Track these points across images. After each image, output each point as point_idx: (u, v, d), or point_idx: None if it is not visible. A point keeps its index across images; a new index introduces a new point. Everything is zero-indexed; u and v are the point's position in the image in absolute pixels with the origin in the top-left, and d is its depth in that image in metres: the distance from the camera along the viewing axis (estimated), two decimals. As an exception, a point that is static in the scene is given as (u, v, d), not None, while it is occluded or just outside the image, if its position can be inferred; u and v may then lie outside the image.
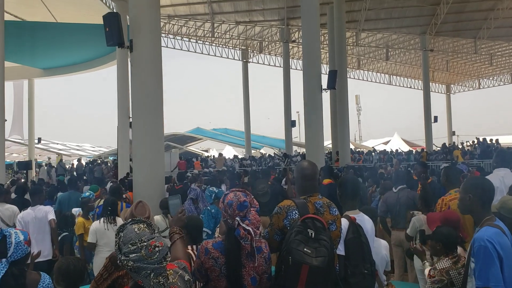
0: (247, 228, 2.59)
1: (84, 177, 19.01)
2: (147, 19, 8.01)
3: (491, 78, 44.30)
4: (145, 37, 7.95)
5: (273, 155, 33.45)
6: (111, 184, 9.56)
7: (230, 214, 2.66)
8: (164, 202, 5.87)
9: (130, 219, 2.16)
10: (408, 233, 5.30)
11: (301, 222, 2.77)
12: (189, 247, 3.21)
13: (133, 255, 1.98)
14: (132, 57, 8.10)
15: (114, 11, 17.98)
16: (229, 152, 42.09)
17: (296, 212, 2.88)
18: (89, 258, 5.94)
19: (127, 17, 13.28)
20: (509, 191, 3.60)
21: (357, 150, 34.84)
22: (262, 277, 2.70)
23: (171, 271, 2.16)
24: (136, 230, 2.05)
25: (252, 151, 36.55)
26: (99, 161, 30.08)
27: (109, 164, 26.55)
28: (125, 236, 2.03)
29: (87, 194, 6.62)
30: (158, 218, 5.63)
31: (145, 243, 2.00)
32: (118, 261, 2.04)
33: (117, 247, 2.05)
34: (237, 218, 2.62)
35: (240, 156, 35.02)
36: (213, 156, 34.08)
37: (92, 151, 45.35)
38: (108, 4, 22.88)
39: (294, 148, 34.24)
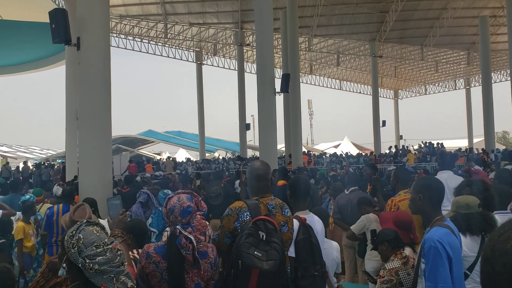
0: (189, 236, 2.45)
1: (30, 180, 18.19)
2: (95, 16, 7.75)
3: (436, 84, 46.16)
4: (93, 35, 7.68)
5: (227, 158, 33.34)
6: (58, 186, 9.14)
7: (172, 220, 2.52)
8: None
9: (85, 221, 2.05)
10: (353, 229, 5.30)
11: (252, 224, 2.69)
12: (135, 251, 3.06)
13: (100, 257, 1.90)
14: (79, 55, 7.80)
15: (63, 7, 17.33)
16: (183, 155, 41.59)
17: (248, 213, 2.79)
18: (29, 265, 5.62)
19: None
20: (454, 191, 3.69)
21: (309, 152, 35.30)
22: (208, 284, 2.59)
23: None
24: (95, 232, 1.97)
25: (207, 154, 36.27)
26: (46, 164, 28.91)
27: (56, 167, 25.55)
28: (87, 238, 1.93)
29: (28, 197, 6.27)
30: (104, 223, 5.38)
31: (110, 246, 1.95)
32: (79, 264, 1.91)
33: (76, 249, 1.91)
34: (178, 227, 2.48)
35: (193, 159, 34.68)
36: (164, 159, 33.51)
37: (40, 153, 43.64)
38: (57, 2, 22.05)
39: (249, 151, 34.28)
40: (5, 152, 38.24)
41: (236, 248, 2.61)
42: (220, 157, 36.46)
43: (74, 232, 1.98)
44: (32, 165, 27.69)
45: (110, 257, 1.92)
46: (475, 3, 26.59)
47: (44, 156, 40.79)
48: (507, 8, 23.37)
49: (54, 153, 40.82)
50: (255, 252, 2.54)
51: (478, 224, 2.98)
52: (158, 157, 39.02)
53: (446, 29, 28.42)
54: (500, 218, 3.96)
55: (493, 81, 28.87)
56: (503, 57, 32.98)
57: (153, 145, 48.65)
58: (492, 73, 31.28)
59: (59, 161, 31.91)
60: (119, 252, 1.97)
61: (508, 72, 27.22)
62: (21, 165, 27.95)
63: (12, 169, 25.66)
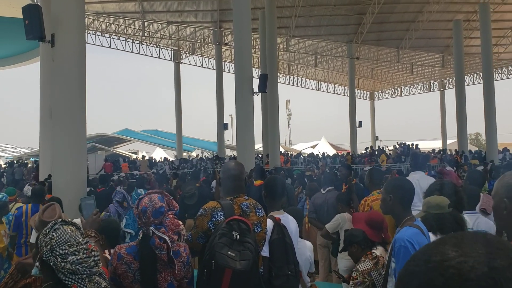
0: (163, 236, 2.45)
1: (2, 179, 17.77)
2: (70, 12, 7.62)
3: (411, 86, 46.93)
4: (67, 32, 7.56)
5: (204, 157, 33.21)
6: (29, 186, 8.96)
7: (145, 221, 2.50)
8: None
9: (60, 220, 2.03)
10: (328, 227, 5.35)
11: (226, 224, 2.69)
12: (107, 251, 3.04)
13: (72, 257, 1.87)
14: (54, 52, 7.66)
15: (38, 3, 17.01)
16: (160, 154, 41.23)
17: (222, 213, 2.80)
18: (0, 265, 5.50)
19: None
20: (424, 195, 3.76)
21: (286, 153, 35.47)
22: (182, 283, 2.59)
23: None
24: (69, 231, 1.94)
25: (184, 154, 36.04)
26: (19, 163, 28.29)
27: (30, 166, 25.03)
28: (60, 237, 1.91)
29: (0, 196, 6.13)
30: (77, 222, 5.31)
31: (83, 246, 1.92)
32: (50, 263, 1.89)
33: (48, 248, 1.89)
34: (151, 228, 2.47)
35: (170, 159, 34.41)
36: (139, 158, 33.18)
37: (13, 152, 42.67)
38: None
39: (227, 151, 34.22)
40: (-24, 150, 37.29)
41: (210, 248, 2.61)
42: (198, 156, 36.26)
43: (48, 230, 1.96)
44: (4, 164, 27.04)
45: (83, 257, 1.90)
46: (450, 7, 27.15)
47: (17, 154, 39.89)
48: (480, 12, 23.98)
49: (28, 151, 39.98)
50: (229, 252, 2.55)
51: (449, 224, 3.05)
52: (135, 156, 38.61)
53: (421, 32, 28.93)
54: (468, 218, 4.06)
55: (466, 84, 29.51)
56: (476, 60, 33.75)
57: (130, 144, 48.09)
58: (466, 76, 31.99)
59: (33, 159, 31.28)
60: (93, 253, 1.94)
61: (481, 75, 27.86)
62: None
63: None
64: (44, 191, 6.37)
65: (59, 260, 1.88)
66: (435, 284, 0.66)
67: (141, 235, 2.58)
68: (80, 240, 1.94)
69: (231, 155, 29.25)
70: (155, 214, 2.49)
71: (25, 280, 2.71)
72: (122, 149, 46.02)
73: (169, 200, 2.61)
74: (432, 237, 2.86)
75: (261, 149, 26.17)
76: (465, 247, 0.68)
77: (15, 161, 29.05)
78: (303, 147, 48.35)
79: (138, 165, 25.64)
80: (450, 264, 0.66)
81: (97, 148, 37.03)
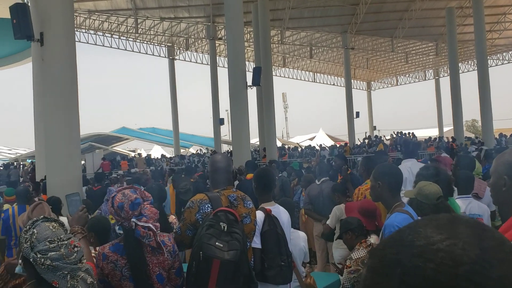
0: (146, 225, 2.45)
1: (-1, 182, 17.72)
2: (58, 10, 7.58)
3: (407, 75, 46.93)
4: (56, 30, 7.52)
5: (201, 153, 33.20)
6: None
7: (124, 216, 2.50)
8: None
9: (41, 217, 2.01)
10: (329, 223, 5.35)
11: (213, 215, 2.69)
12: (98, 249, 3.02)
13: (52, 253, 1.85)
14: (43, 51, 7.62)
15: (26, 2, 16.91)
16: (157, 151, 41.20)
17: (209, 205, 2.80)
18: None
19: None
20: (416, 178, 3.76)
21: (284, 146, 35.47)
22: (170, 273, 2.60)
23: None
24: (51, 227, 1.92)
25: (181, 150, 36.02)
26: (15, 164, 28.23)
27: (26, 167, 24.98)
28: (40, 233, 1.89)
29: (-8, 198, 6.11)
30: (64, 220, 5.27)
31: (65, 242, 1.90)
32: (30, 259, 1.87)
33: (28, 244, 1.87)
34: (133, 219, 2.47)
35: (168, 156, 34.39)
36: (136, 155, 33.17)
37: (9, 153, 42.53)
38: (21, -3, 21.46)
39: (224, 146, 34.19)
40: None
41: (197, 240, 2.62)
42: (194, 152, 36.24)
43: (29, 227, 1.94)
44: (0, 166, 26.99)
45: (64, 253, 1.87)
46: (442, -5, 27.10)
47: (13, 156, 39.78)
48: (473, -1, 23.91)
49: (24, 152, 39.87)
50: (216, 243, 2.55)
51: (428, 214, 3.05)
52: (133, 154, 38.58)
53: (414, 21, 28.85)
54: (462, 202, 4.07)
55: (460, 71, 29.49)
56: (470, 47, 33.71)
57: (128, 142, 48.04)
58: (460, 64, 31.95)
59: (29, 161, 31.22)
60: (76, 249, 1.92)
61: (475, 62, 27.83)
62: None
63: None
64: (28, 191, 6.32)
65: (38, 256, 1.85)
66: (423, 271, 0.58)
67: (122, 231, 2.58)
68: (62, 236, 1.92)
69: (228, 150, 29.23)
70: (132, 206, 2.49)
71: (14, 281, 2.70)
72: (120, 148, 46.00)
73: (141, 192, 2.62)
74: None
75: (258, 143, 26.18)
76: (449, 229, 0.62)
77: (11, 163, 28.99)
78: (301, 139, 48.34)
79: (135, 163, 25.62)
80: (439, 247, 0.59)
81: (94, 147, 36.98)
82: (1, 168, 25.39)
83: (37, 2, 16.64)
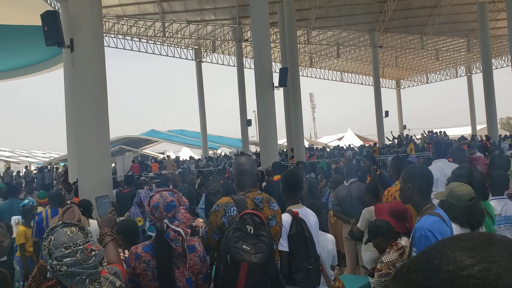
0: (177, 229, 2.47)
1: (34, 184, 18.22)
2: (87, 16, 7.73)
3: (437, 73, 45.95)
4: (85, 36, 7.67)
5: (229, 154, 33.33)
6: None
7: (158, 216, 2.53)
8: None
9: (60, 222, 2.01)
10: (359, 226, 5.24)
11: (239, 218, 2.68)
12: (126, 251, 3.05)
13: (68, 259, 1.84)
14: (73, 56, 7.78)
15: (59, 10, 17.35)
16: (186, 153, 41.63)
17: (235, 208, 2.78)
18: (32, 268, 5.61)
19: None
20: (451, 177, 3.64)
21: (312, 146, 35.27)
22: (197, 278, 2.60)
23: (101, 278, 2.02)
24: (69, 233, 1.91)
25: (210, 152, 36.28)
26: (49, 168, 29.01)
27: (59, 170, 25.64)
28: (57, 240, 1.88)
29: (26, 201, 6.27)
30: (93, 223, 5.36)
31: (81, 247, 1.88)
32: (48, 267, 1.88)
33: (46, 251, 1.89)
34: (165, 221, 2.49)
35: (196, 157, 34.67)
36: (166, 158, 33.58)
37: (43, 157, 43.78)
38: (53, 5, 22.04)
39: (252, 147, 34.26)
40: (8, 157, 38.40)
41: (224, 243, 2.61)
42: (222, 154, 36.44)
43: (47, 234, 1.95)
44: (34, 169, 27.77)
45: (80, 258, 1.86)
46: (473, -11, 26.42)
47: (46, 159, 40.90)
48: (505, -8, 23.20)
49: (57, 156, 40.94)
50: (243, 246, 2.54)
51: (461, 217, 2.95)
52: (162, 156, 39.09)
53: (445, 17, 28.21)
54: (497, 203, 3.92)
55: (494, 67, 28.67)
56: (503, 42, 32.74)
57: (157, 144, 48.73)
58: (493, 59, 31.07)
59: (62, 164, 32.03)
60: (93, 253, 1.90)
61: (509, 58, 27.00)
62: (23, 170, 28.04)
63: (13, 174, 25.79)
64: (61, 194, 6.45)
65: (55, 263, 1.85)
66: None
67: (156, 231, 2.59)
68: (78, 241, 1.90)
69: (255, 151, 29.26)
70: (167, 208, 2.53)
71: (47, 282, 2.74)
72: (149, 150, 46.70)
73: (179, 196, 2.65)
74: (453, 226, 2.76)
75: (286, 143, 26.09)
76: (480, 251, 0.56)
77: (45, 167, 29.81)
78: (329, 139, 47.99)
79: (165, 165, 25.94)
80: (470, 273, 0.53)
81: (124, 150, 37.62)
82: (36, 171, 26.10)
83: (67, 9, 17.10)
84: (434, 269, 0.57)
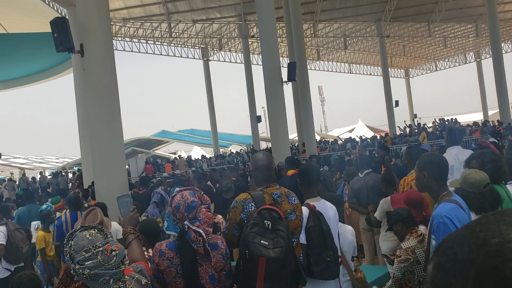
0: (198, 230, 2.50)
1: (48, 190, 18.47)
2: (95, 21, 7.81)
3: (446, 60, 45.51)
4: (95, 40, 7.75)
5: (240, 151, 33.39)
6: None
7: (179, 217, 2.57)
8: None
9: (78, 226, 2.06)
10: (377, 216, 5.25)
11: (257, 214, 2.71)
12: (150, 251, 3.10)
13: (89, 262, 1.88)
14: (84, 61, 7.87)
15: (66, 17, 17.51)
16: (197, 152, 41.77)
17: (253, 204, 2.82)
18: (54, 272, 5.72)
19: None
20: (465, 164, 3.64)
21: (323, 140, 35.20)
22: (220, 275, 2.63)
23: (127, 276, 2.07)
24: (88, 236, 1.95)
25: (221, 150, 36.36)
26: (63, 172, 29.32)
27: (75, 174, 25.91)
28: (77, 244, 1.92)
29: (45, 206, 6.37)
30: (115, 224, 5.44)
31: (101, 248, 1.92)
32: (71, 271, 1.92)
33: (68, 257, 1.93)
34: (186, 222, 2.53)
35: (208, 156, 34.78)
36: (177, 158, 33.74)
37: (56, 162, 44.21)
38: (60, 11, 22.22)
39: (263, 143, 34.28)
40: (22, 164, 38.83)
41: (243, 239, 2.65)
42: (234, 151, 36.50)
43: (67, 239, 1.99)
44: (49, 175, 28.09)
45: (101, 260, 1.89)
46: (480, -27, 26.11)
47: (60, 164, 41.29)
48: (513, -25, 22.90)
49: (70, 160, 41.30)
50: (261, 241, 2.57)
51: (475, 204, 2.94)
52: (173, 157, 39.30)
53: (451, 3, 27.92)
54: (511, 188, 3.91)
55: (503, 52, 28.31)
56: (513, 26, 32.37)
57: (168, 145, 48.94)
58: (503, 44, 30.68)
59: (76, 168, 32.35)
60: (114, 253, 1.93)
61: (519, 41, 26.70)
62: (38, 176, 28.38)
63: (29, 180, 26.13)
64: (78, 197, 6.53)
65: (77, 267, 1.89)
66: (502, 271, 0.53)
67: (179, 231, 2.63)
68: (98, 243, 1.93)
69: (266, 147, 29.27)
70: (188, 209, 2.55)
71: (74, 284, 2.80)
72: (161, 151, 46.91)
73: (201, 195, 2.67)
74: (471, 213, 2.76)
75: (297, 138, 26.06)
76: None
77: (59, 172, 30.12)
78: (340, 132, 47.80)
79: (177, 164, 26.08)
80: None
81: (137, 152, 37.86)
82: (51, 177, 26.39)
83: (74, 14, 17.27)
84: (479, 243, 0.57)
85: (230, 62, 36.51)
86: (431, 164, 2.72)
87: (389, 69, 34.46)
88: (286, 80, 14.53)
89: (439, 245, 0.63)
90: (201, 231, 2.50)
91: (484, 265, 0.55)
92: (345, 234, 3.96)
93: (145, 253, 3.15)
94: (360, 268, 4.27)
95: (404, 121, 28.64)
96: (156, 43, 32.32)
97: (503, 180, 3.56)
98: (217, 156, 30.49)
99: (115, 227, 4.41)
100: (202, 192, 2.69)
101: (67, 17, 17.47)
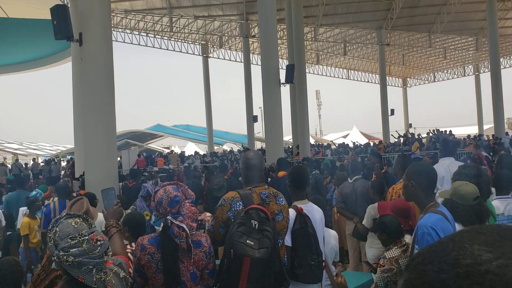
0: (181, 225, 2.48)
1: (40, 176, 18.37)
2: (96, 11, 7.77)
3: (445, 71, 45.68)
4: (94, 30, 7.71)
5: (235, 150, 33.37)
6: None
7: (162, 212, 2.55)
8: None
9: (64, 214, 2.06)
10: (365, 223, 5.24)
11: (244, 213, 2.70)
12: (133, 244, 3.09)
13: (74, 249, 1.87)
14: (82, 51, 7.84)
15: (68, 4, 17.44)
16: (191, 148, 41.69)
17: (241, 203, 2.81)
18: (36, 260, 5.70)
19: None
20: (453, 177, 3.65)
21: (317, 143, 35.25)
22: (203, 273, 2.62)
23: (106, 268, 2.06)
24: (73, 224, 1.95)
25: (215, 147, 36.32)
26: (55, 160, 29.19)
27: (68, 163, 25.82)
28: (62, 231, 1.92)
29: (34, 193, 6.35)
30: (100, 216, 5.41)
31: (86, 237, 1.92)
32: (54, 258, 1.92)
33: (52, 243, 1.92)
34: (169, 217, 2.51)
35: (201, 153, 34.74)
36: (168, 153, 33.68)
37: (50, 150, 44.01)
38: (62, -1, 22.13)
39: (258, 143, 34.27)
40: (16, 149, 38.65)
41: (229, 238, 2.64)
42: (228, 150, 36.49)
43: (52, 225, 1.98)
44: (42, 162, 27.96)
45: (86, 248, 1.89)
46: (483, -12, 26.20)
47: (54, 152, 41.11)
48: (515, -8, 23.02)
49: (64, 149, 41.14)
50: (247, 241, 2.56)
51: (464, 216, 2.95)
52: (167, 151, 39.20)
53: (453, 15, 28.03)
54: (500, 203, 3.94)
55: (502, 67, 28.46)
56: (512, 42, 32.55)
57: (162, 139, 48.79)
58: (501, 59, 30.85)
59: (69, 157, 32.20)
60: (99, 243, 1.93)
61: (518, 57, 26.86)
62: (30, 162, 28.26)
63: (21, 166, 26.00)
64: (68, 186, 6.51)
65: (61, 253, 1.88)
66: None
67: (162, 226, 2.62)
68: (84, 231, 1.93)
69: (261, 147, 29.28)
70: (171, 203, 2.53)
71: (56, 272, 2.79)
72: (155, 145, 46.77)
73: (185, 190, 2.65)
74: (456, 225, 2.77)
75: (291, 140, 26.08)
76: (499, 246, 0.54)
77: (52, 159, 29.97)
78: (334, 137, 47.88)
79: (169, 159, 26.03)
80: (488, 268, 0.52)
81: (130, 144, 37.74)
82: (43, 164, 26.30)
83: (75, 3, 17.19)
84: (450, 262, 0.55)
85: (230, 60, 36.51)
86: (420, 174, 2.73)
87: (387, 77, 34.56)
88: (284, 81, 14.54)
89: (412, 260, 0.61)
90: (184, 226, 2.48)
91: (453, 287, 0.53)
92: (328, 239, 3.97)
93: (129, 246, 3.14)
94: (344, 274, 4.28)
95: (396, 131, 28.70)
96: (157, 36, 32.24)
97: (484, 197, 3.57)
98: (212, 153, 30.45)
99: (100, 219, 4.39)
100: (186, 187, 2.67)
101: (68, 5, 17.39)
